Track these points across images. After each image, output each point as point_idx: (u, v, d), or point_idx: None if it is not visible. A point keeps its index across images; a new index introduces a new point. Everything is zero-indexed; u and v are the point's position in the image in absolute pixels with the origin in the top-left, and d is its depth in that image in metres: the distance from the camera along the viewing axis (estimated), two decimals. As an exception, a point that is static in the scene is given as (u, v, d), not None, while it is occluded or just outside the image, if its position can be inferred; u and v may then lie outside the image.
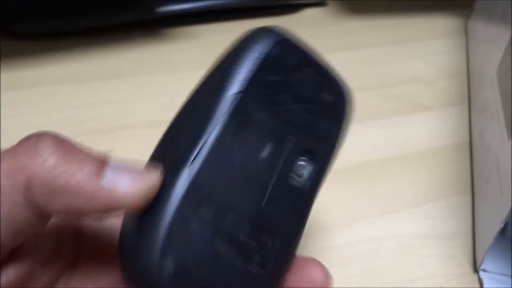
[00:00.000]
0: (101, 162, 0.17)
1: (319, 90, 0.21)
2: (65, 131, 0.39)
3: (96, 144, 0.38)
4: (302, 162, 0.20)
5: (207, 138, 0.18)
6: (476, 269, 0.30)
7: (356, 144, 0.40)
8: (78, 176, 0.16)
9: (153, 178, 0.17)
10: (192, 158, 0.18)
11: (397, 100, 0.46)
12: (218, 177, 0.18)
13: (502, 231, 0.29)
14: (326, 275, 0.20)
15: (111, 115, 0.41)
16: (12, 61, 0.47)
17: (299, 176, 0.20)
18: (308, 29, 0.60)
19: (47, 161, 0.16)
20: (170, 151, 0.19)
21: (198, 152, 0.18)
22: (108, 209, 0.16)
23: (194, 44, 0.53)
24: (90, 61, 0.48)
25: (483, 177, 0.34)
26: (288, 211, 0.20)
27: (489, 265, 0.30)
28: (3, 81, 0.44)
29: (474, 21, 0.55)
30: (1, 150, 0.33)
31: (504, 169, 0.30)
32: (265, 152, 0.19)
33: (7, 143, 0.34)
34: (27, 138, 0.17)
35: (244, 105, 0.19)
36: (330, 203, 0.34)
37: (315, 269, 0.20)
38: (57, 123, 0.39)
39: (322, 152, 0.21)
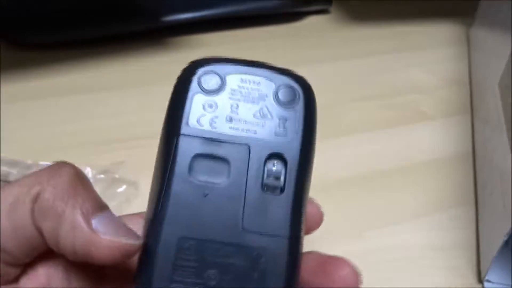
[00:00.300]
0: (99, 208, 0.18)
1: (264, 93, 0.21)
2: (73, 142, 0.40)
3: (105, 155, 0.39)
4: (273, 167, 0.20)
5: (165, 187, 0.19)
6: (480, 280, 0.31)
7: (359, 154, 0.41)
8: (72, 209, 0.18)
9: (132, 242, 0.18)
10: (158, 210, 0.19)
11: (399, 110, 0.47)
12: (187, 216, 0.19)
13: (506, 242, 0.30)
14: (356, 274, 0.20)
15: (120, 125, 0.41)
16: (17, 72, 0.48)
17: (276, 180, 0.20)
18: (311, 37, 0.60)
19: (60, 185, 0.18)
20: (148, 206, 0.21)
21: (161, 203, 0.19)
22: (84, 250, 0.17)
23: (200, 53, 0.53)
24: (96, 72, 0.49)
25: (487, 189, 0.35)
26: (276, 219, 0.20)
27: (493, 276, 0.31)
28: (8, 92, 0.44)
29: (476, 30, 0.56)
30: (9, 161, 0.34)
31: (506, 183, 0.30)
32: (229, 173, 0.20)
33: (12, 155, 0.35)
34: (56, 163, 0.19)
35: (187, 144, 0.20)
36: (334, 214, 0.35)
37: (345, 268, 0.20)
38: (66, 134, 0.40)
39: (293, 150, 0.21)
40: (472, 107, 0.47)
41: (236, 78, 0.21)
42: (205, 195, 0.19)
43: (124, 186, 0.35)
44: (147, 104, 0.44)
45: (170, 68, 0.49)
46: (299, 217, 0.20)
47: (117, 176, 0.36)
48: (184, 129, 0.20)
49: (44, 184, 0.18)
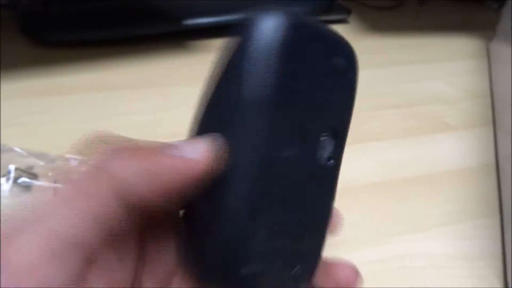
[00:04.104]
0: (165, 145, 0.18)
1: (330, 62, 0.20)
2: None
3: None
4: (324, 138, 0.20)
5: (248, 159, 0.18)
6: (507, 290, 0.30)
7: (383, 162, 0.41)
8: (157, 159, 0.17)
9: (215, 143, 0.18)
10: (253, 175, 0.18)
11: (421, 119, 0.47)
12: (266, 185, 0.18)
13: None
14: (356, 274, 0.22)
15: (141, 124, 0.41)
16: (43, 69, 0.48)
17: (324, 152, 0.20)
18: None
19: (124, 163, 0.17)
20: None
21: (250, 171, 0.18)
22: (186, 176, 0.17)
23: (220, 57, 0.54)
24: (119, 71, 0.49)
25: (512, 199, 0.35)
26: (319, 190, 0.20)
27: (520, 286, 0.30)
28: (34, 88, 0.44)
29: (497, 44, 0.56)
30: (36, 153, 0.33)
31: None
32: (293, 144, 0.19)
33: (41, 148, 0.35)
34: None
35: (267, 109, 0.18)
36: (359, 219, 0.35)
37: (345, 269, 0.22)
38: (88, 130, 0.40)
39: (342, 123, 0.21)
40: (494, 119, 0.47)
41: (311, 44, 0.19)
42: (278, 166, 0.18)
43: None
44: (167, 104, 0.44)
45: (190, 70, 0.50)
46: (334, 192, 0.21)
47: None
48: (266, 97, 0.18)
49: (112, 174, 0.17)
